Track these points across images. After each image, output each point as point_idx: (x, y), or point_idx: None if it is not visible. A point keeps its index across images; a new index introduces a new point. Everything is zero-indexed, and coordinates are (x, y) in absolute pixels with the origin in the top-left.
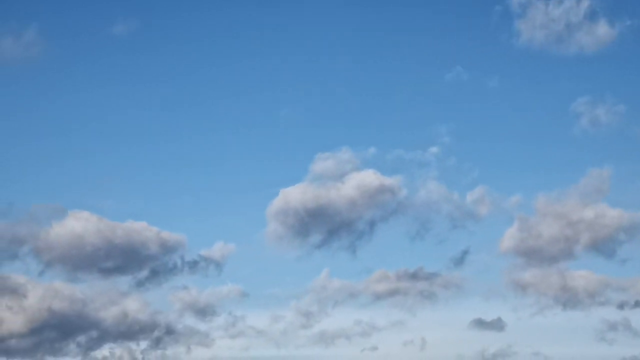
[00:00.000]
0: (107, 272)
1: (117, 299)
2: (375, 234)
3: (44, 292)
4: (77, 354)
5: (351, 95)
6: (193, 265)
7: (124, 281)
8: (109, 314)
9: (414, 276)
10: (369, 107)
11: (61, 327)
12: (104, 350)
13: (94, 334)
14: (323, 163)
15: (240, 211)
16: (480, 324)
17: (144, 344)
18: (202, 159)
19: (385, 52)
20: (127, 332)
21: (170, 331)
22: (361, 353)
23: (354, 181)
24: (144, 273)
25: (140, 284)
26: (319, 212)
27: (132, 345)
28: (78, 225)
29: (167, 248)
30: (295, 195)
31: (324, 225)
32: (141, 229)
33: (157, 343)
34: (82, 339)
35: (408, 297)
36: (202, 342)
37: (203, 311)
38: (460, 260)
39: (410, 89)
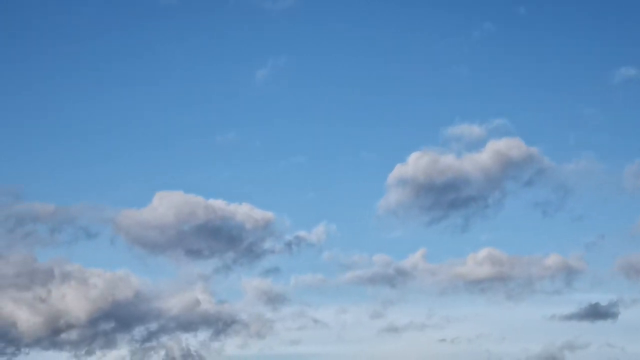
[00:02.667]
0: (191, 254)
1: (185, 288)
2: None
3: (110, 281)
4: (129, 347)
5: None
6: (286, 247)
7: (208, 264)
8: (174, 304)
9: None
10: None
11: (121, 318)
12: (160, 342)
13: (154, 325)
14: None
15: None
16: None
17: (203, 336)
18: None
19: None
20: (189, 323)
21: (234, 322)
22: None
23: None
24: (230, 255)
25: (222, 269)
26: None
27: (190, 337)
28: (164, 205)
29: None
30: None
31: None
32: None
33: (217, 335)
34: (140, 330)
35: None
36: (263, 334)
37: (275, 300)
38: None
39: None
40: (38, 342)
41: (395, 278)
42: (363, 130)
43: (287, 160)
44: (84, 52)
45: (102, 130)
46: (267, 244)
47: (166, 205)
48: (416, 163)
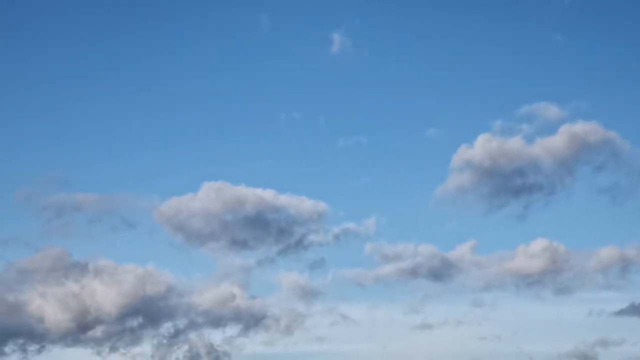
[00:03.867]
0: (234, 245)
1: (220, 282)
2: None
3: (142, 276)
4: (154, 343)
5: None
6: (334, 240)
7: (250, 257)
8: (205, 299)
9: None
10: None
11: (150, 314)
12: (185, 338)
13: (183, 321)
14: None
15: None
16: None
17: (232, 331)
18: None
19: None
20: (218, 318)
21: (265, 317)
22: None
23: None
24: (273, 248)
25: (263, 262)
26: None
27: (217, 333)
28: (210, 195)
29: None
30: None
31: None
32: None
33: (246, 330)
34: (167, 326)
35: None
36: (291, 330)
37: (309, 295)
38: None
39: None
40: (63, 338)
41: (439, 270)
42: (432, 103)
43: (347, 139)
44: (138, 42)
45: (151, 119)
46: (314, 236)
47: (213, 195)
48: (484, 146)
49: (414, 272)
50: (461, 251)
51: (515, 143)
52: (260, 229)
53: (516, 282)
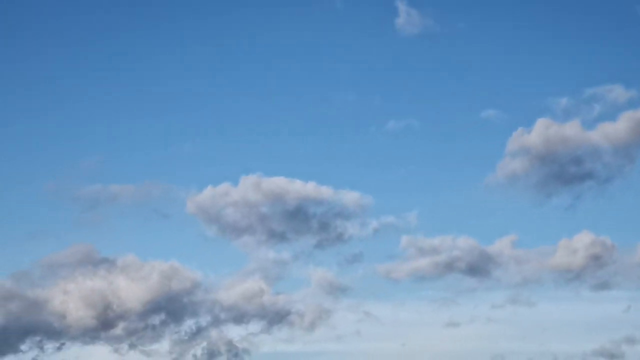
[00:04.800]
0: (272, 238)
1: (247, 277)
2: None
3: (168, 272)
4: (173, 340)
5: None
6: (372, 233)
7: (281, 251)
8: (230, 295)
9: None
10: None
11: (173, 310)
12: (205, 335)
13: (206, 318)
14: None
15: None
16: None
17: (254, 328)
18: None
19: None
20: (242, 314)
21: (290, 313)
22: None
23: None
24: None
25: (298, 256)
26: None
27: (239, 329)
28: (247, 188)
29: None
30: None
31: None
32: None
33: (269, 327)
34: (189, 323)
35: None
36: (314, 327)
37: (337, 291)
38: None
39: None
40: (82, 335)
41: (476, 265)
42: (491, 84)
43: (398, 121)
44: (176, 33)
45: (190, 107)
46: (354, 230)
47: (251, 187)
48: (541, 130)
49: (449, 266)
50: (501, 245)
51: (574, 128)
52: (300, 221)
53: (555, 277)
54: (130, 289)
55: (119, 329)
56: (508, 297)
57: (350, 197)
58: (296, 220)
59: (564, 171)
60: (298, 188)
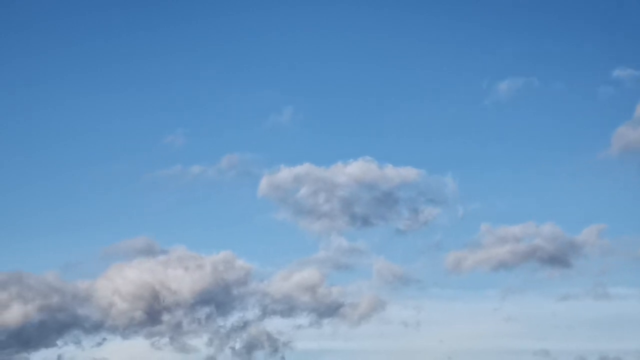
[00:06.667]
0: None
1: (306, 267)
2: None
3: (221, 263)
4: (213, 334)
5: None
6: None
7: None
8: (283, 286)
9: None
10: None
11: (221, 303)
12: (246, 329)
13: (254, 311)
14: None
15: None
16: None
17: (302, 321)
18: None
19: None
20: (290, 308)
21: (341, 306)
22: None
23: None
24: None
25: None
26: None
27: (285, 323)
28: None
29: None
30: None
31: None
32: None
33: (318, 320)
34: (236, 316)
35: None
36: (363, 323)
37: (397, 283)
38: None
39: None
40: (124, 329)
41: (555, 255)
42: (622, 41)
43: (513, 80)
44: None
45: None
46: (440, 219)
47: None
48: None
49: (525, 256)
50: (587, 234)
51: None
52: (386, 207)
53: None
54: (181, 281)
55: (162, 323)
56: (578, 291)
57: (435, 180)
58: (384, 206)
59: None
60: (386, 173)
